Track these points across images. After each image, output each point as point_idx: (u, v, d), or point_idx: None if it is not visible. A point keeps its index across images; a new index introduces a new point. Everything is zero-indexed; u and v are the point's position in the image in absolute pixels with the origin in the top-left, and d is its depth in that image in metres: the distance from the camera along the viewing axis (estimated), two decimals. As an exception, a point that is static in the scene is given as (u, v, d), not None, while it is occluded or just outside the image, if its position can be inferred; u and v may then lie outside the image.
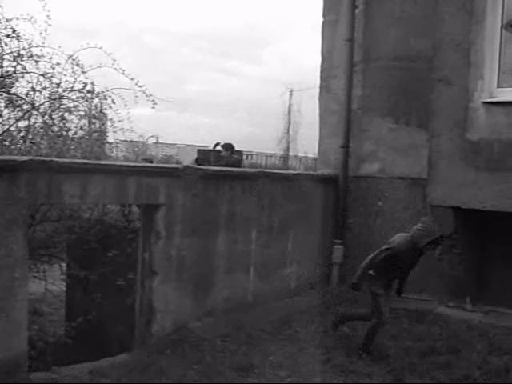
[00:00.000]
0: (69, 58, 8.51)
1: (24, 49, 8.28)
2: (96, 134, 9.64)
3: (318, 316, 7.17)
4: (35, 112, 8.48)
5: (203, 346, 5.97)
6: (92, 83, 8.80)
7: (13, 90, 8.45)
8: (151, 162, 12.03)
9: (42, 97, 8.57)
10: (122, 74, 8.76)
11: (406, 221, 8.02)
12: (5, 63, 8.33)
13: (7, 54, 8.26)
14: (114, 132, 9.40)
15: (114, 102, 8.91)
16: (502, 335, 6.43)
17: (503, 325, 6.72)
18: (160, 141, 30.51)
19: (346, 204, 8.58)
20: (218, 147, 13.94)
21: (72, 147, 8.72)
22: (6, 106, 8.46)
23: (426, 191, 7.23)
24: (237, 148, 12.22)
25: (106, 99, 8.95)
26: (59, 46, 8.49)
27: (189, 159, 13.89)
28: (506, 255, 7.17)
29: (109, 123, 9.36)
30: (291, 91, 36.31)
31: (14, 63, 8.28)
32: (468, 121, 6.77)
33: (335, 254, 8.51)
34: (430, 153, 7.12)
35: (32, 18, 8.24)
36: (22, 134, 8.40)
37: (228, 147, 12.41)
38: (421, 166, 7.54)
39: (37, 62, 8.34)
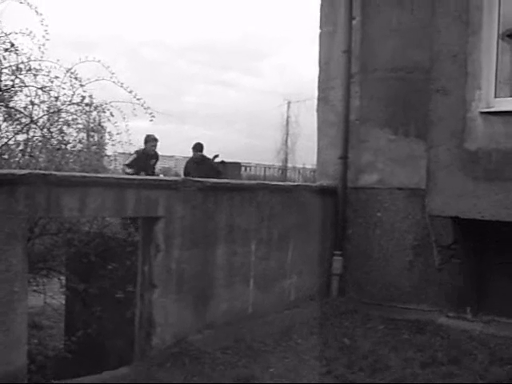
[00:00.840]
0: (67, 72, 8.57)
1: (22, 62, 8.35)
2: (94, 147, 9.66)
3: (318, 327, 7.16)
4: (34, 125, 8.52)
5: (203, 358, 5.95)
6: (90, 96, 8.85)
7: (11, 104, 8.49)
8: (155, 140, 11.83)
9: (41, 110, 8.64)
10: (121, 87, 8.82)
11: (405, 231, 8.03)
12: (3, 77, 8.38)
13: (6, 67, 8.30)
14: (113, 145, 9.44)
15: (112, 115, 8.96)
16: (503, 345, 6.41)
17: (504, 335, 6.70)
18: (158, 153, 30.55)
19: (345, 215, 8.57)
20: (217, 159, 13.99)
21: (71, 160, 8.75)
22: (4, 120, 8.50)
23: (424, 201, 7.23)
24: (236, 159, 12.35)
25: (104, 112, 8.99)
26: (57, 60, 8.55)
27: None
28: (505, 265, 7.16)
29: (107, 136, 9.41)
30: (289, 103, 36.50)
31: (13, 77, 8.34)
32: (466, 131, 6.79)
33: (335, 265, 8.49)
34: (429, 163, 7.13)
35: (31, 32, 8.31)
36: (20, 147, 8.44)
37: (196, 146, 12.48)
38: (419, 176, 7.54)
39: (35, 75, 8.41)
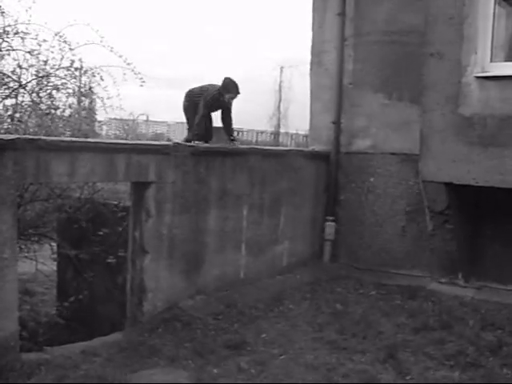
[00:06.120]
0: (55, 35, 8.39)
1: (9, 25, 8.15)
2: (85, 111, 9.53)
3: (310, 293, 7.17)
4: (22, 90, 8.37)
5: (195, 324, 5.95)
6: (80, 60, 8.70)
7: (-1, 68, 8.33)
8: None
9: (29, 74, 8.46)
10: (111, 51, 8.67)
11: (398, 197, 8.01)
12: (-10, 40, 8.20)
13: (-8, 30, 8.13)
14: (104, 110, 9.31)
15: (102, 79, 8.82)
16: (494, 311, 6.44)
17: (495, 300, 6.74)
18: (150, 118, 30.39)
19: (338, 180, 8.53)
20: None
21: (60, 125, 8.63)
22: (-8, 84, 8.34)
23: (418, 167, 7.19)
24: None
25: (94, 76, 8.85)
26: (45, 23, 8.37)
27: (179, 136, 13.79)
28: (498, 231, 7.17)
29: (98, 101, 9.27)
30: (282, 68, 36.19)
31: (0, 40, 8.15)
32: (461, 96, 6.71)
33: (327, 231, 8.48)
34: (423, 128, 7.06)
35: (17, -6, 8.13)
36: (9, 112, 8.30)
37: None
38: (413, 141, 7.47)
39: (23, 38, 8.21)
